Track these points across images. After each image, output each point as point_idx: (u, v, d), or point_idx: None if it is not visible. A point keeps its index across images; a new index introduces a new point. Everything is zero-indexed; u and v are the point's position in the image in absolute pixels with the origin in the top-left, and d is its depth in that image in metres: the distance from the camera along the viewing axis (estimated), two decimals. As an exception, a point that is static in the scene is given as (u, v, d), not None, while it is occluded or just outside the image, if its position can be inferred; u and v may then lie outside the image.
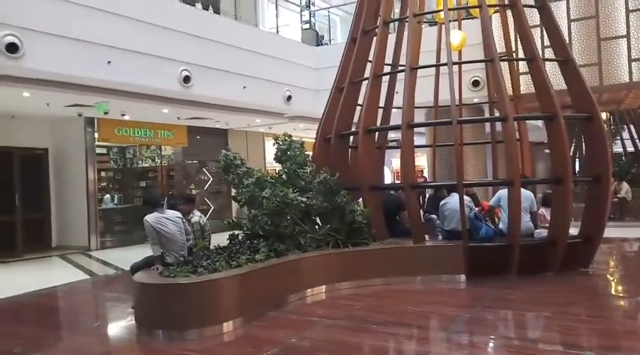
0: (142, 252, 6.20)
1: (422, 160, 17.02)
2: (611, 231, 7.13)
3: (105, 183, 13.22)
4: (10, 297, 6.40)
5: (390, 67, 7.67)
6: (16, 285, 7.40)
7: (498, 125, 8.30)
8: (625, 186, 12.87)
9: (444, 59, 7.37)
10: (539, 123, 11.65)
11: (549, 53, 7.45)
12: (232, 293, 4.63)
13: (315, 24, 14.82)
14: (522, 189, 6.12)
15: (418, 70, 6.61)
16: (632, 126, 18.47)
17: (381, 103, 7.54)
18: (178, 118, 12.14)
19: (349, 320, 4.67)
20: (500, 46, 8.37)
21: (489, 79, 8.89)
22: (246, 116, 12.33)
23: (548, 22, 6.62)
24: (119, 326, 5.12)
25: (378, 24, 6.98)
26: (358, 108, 7.09)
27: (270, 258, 5.27)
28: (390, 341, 4.22)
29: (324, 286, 5.67)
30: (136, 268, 5.36)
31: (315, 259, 5.66)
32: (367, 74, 6.89)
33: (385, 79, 7.30)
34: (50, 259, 10.40)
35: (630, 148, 18.98)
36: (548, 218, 6.60)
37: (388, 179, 15.88)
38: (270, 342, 4.15)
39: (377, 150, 7.77)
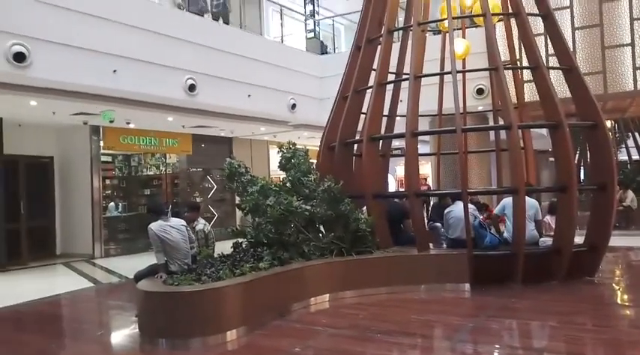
0: (146, 260, 6.20)
1: (426, 168, 16.99)
2: (616, 240, 7.09)
3: (109, 191, 13.30)
4: (15, 305, 6.42)
5: (394, 75, 7.69)
6: (20, 293, 7.43)
7: (503, 133, 8.29)
8: (630, 194, 12.80)
9: (448, 67, 7.38)
10: (544, 131, 11.65)
11: (554, 61, 7.47)
12: (236, 301, 4.62)
13: (319, 33, 14.88)
14: (527, 198, 6.10)
15: (422, 79, 6.64)
16: (637, 134, 18.44)
17: (385, 111, 7.57)
18: (183, 126, 12.18)
19: (353, 329, 4.65)
20: (504, 55, 8.40)
21: (493, 87, 8.89)
22: (251, 124, 12.36)
23: (553, 30, 6.63)
24: (123, 334, 5.12)
25: (382, 32, 7.01)
26: (362, 116, 7.12)
27: (274, 266, 5.26)
28: (394, 351, 4.20)
29: (328, 295, 5.65)
30: (139, 276, 5.35)
31: (319, 267, 5.65)
32: (371, 82, 6.91)
33: (389, 87, 7.32)
34: (55, 267, 10.42)
35: (635, 156, 18.93)
36: (554, 226, 6.58)
37: (392, 187, 15.87)
38: (273, 351, 4.15)
39: (381, 158, 7.77)
